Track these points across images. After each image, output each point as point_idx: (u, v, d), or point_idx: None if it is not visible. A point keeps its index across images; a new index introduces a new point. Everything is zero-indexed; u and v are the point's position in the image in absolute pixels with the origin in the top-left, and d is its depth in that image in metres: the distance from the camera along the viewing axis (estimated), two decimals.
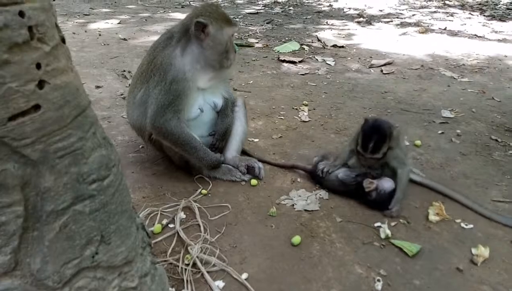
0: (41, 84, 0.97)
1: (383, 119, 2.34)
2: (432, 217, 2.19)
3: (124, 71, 4.63)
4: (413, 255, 1.93)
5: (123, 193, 1.21)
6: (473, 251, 1.96)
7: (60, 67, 1.03)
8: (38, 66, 0.96)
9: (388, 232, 2.06)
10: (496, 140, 3.15)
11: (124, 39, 6.20)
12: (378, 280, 1.79)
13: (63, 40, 1.11)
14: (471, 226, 2.16)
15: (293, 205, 2.32)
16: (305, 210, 2.27)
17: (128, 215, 1.22)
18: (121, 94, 3.93)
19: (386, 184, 2.28)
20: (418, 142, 3.08)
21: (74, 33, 6.53)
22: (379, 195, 2.26)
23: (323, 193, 2.44)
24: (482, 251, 1.94)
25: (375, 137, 2.19)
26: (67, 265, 1.04)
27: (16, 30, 0.91)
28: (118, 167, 1.21)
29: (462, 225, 2.16)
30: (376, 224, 2.16)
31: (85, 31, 6.73)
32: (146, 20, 7.93)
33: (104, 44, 5.90)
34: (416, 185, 2.50)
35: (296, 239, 2.03)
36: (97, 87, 4.16)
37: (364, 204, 2.31)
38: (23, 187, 0.96)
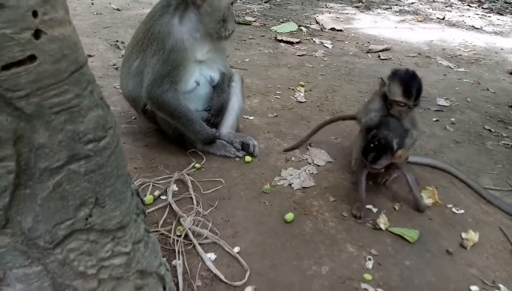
0: (37, 34, 0.91)
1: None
2: (425, 201, 2.20)
3: (117, 41, 4.50)
4: (415, 242, 1.92)
5: (119, 156, 1.16)
6: (463, 235, 1.99)
7: (58, 18, 0.97)
8: (35, 14, 0.90)
9: (386, 221, 2.03)
10: (489, 130, 3.17)
11: (118, 9, 6.02)
12: (369, 259, 1.81)
13: None
14: (462, 211, 2.18)
15: (290, 184, 2.30)
16: (303, 187, 2.27)
17: (124, 179, 1.18)
18: (114, 65, 3.83)
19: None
20: None
21: None
22: None
23: (311, 168, 2.45)
24: (472, 236, 1.96)
25: (416, 83, 2.10)
26: (59, 226, 1.00)
27: None
28: (115, 129, 1.16)
29: (454, 210, 2.18)
30: (368, 206, 2.16)
31: None
32: None
33: (97, 14, 5.72)
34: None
35: (289, 216, 2.02)
36: (89, 56, 4.04)
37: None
38: (16, 142, 0.91)
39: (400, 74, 2.16)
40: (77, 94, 1.01)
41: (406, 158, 2.21)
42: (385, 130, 2.07)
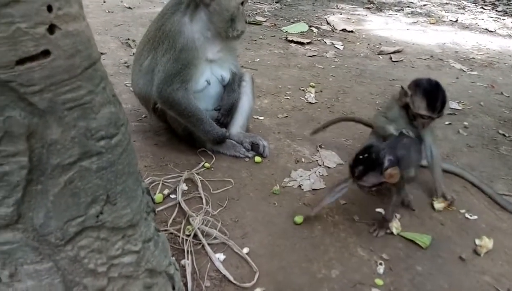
0: (52, 29, 0.91)
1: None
2: (437, 205, 2.16)
3: (128, 39, 4.52)
4: (427, 247, 1.89)
5: (131, 154, 1.15)
6: (477, 241, 1.94)
7: (73, 13, 0.96)
8: (49, 8, 0.89)
9: (399, 226, 1.99)
10: (504, 135, 3.11)
11: (129, 8, 6.04)
12: (380, 264, 1.77)
13: None
14: (476, 217, 2.13)
15: (300, 185, 2.28)
16: (313, 189, 2.24)
17: (135, 177, 1.17)
18: (125, 63, 3.84)
19: None
20: None
21: None
22: None
23: (321, 170, 2.43)
24: (486, 242, 1.92)
25: (440, 95, 2.03)
26: (70, 223, 0.99)
27: None
28: (126, 127, 1.16)
29: (467, 215, 2.14)
30: (378, 209, 2.12)
31: None
32: None
33: (109, 12, 5.75)
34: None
35: (299, 218, 1.99)
36: (100, 54, 4.05)
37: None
38: (28, 137, 0.90)
39: (424, 85, 2.08)
40: (90, 91, 1.00)
41: (402, 182, 1.93)
42: (381, 145, 1.89)
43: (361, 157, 1.80)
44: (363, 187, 1.87)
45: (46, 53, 0.90)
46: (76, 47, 0.97)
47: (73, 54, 0.96)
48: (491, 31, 6.72)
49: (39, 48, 0.89)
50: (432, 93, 2.06)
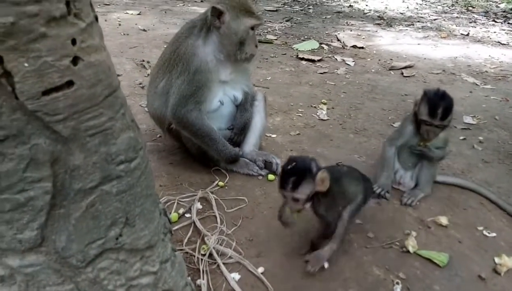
0: (75, 60, 0.96)
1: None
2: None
3: (143, 61, 4.64)
4: (444, 266, 1.86)
5: (149, 177, 1.19)
6: (496, 260, 1.91)
7: (94, 45, 1.02)
8: (74, 42, 0.95)
9: (415, 244, 1.96)
10: None
11: (144, 30, 6.22)
12: (397, 283, 1.75)
13: (96, 19, 1.10)
14: (494, 234, 2.10)
15: None
16: None
17: (152, 199, 1.20)
18: (140, 84, 3.94)
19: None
20: None
21: None
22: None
23: None
24: (506, 261, 1.88)
25: (443, 103, 2.15)
26: (91, 245, 1.03)
27: (54, 4, 0.89)
28: (145, 150, 1.20)
29: (485, 232, 2.11)
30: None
31: (105, 20, 6.76)
32: (165, 12, 7.95)
33: (124, 34, 5.92)
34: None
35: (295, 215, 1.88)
36: (116, 75, 4.16)
37: None
38: (52, 163, 0.95)
39: (430, 93, 2.22)
40: (111, 117, 1.04)
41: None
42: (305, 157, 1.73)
43: (289, 167, 1.64)
44: (297, 202, 1.67)
45: (70, 83, 0.95)
46: (97, 76, 1.02)
47: (95, 84, 1.01)
48: (504, 44, 6.69)
49: (63, 79, 0.94)
50: (435, 101, 2.17)
